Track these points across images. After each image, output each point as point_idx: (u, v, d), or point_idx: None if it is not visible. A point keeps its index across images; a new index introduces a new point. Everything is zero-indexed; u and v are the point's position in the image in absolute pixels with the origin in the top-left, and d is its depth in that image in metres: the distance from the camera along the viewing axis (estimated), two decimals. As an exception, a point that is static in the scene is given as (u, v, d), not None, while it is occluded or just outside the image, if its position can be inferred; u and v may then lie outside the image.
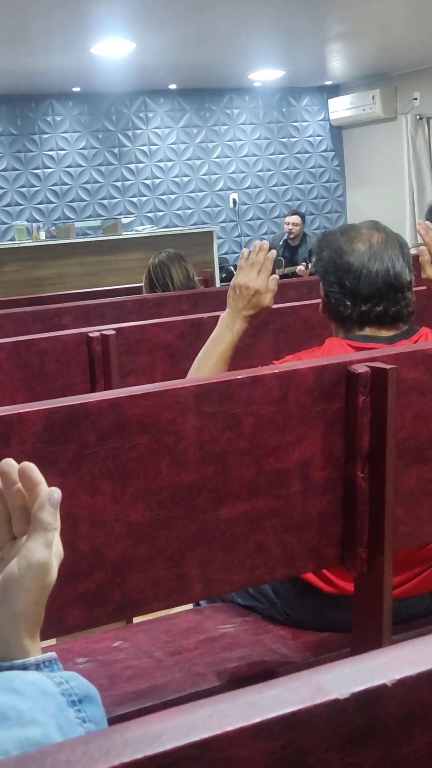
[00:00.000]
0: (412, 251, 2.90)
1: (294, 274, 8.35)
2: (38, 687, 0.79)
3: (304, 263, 8.36)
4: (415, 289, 2.23)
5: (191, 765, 0.54)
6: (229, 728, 0.55)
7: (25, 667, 0.85)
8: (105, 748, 0.54)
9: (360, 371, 1.74)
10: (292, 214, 9.28)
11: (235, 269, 2.50)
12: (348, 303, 2.16)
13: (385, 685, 0.60)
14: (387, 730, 0.60)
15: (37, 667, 0.86)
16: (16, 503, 0.93)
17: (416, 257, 2.52)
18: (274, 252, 2.46)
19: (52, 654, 0.88)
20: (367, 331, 2.16)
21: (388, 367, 1.74)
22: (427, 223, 2.66)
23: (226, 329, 2.37)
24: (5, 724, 0.72)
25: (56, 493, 0.91)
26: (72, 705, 0.80)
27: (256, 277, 2.39)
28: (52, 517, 0.91)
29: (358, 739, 0.59)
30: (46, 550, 0.90)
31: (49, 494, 0.91)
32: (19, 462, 0.93)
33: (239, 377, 1.67)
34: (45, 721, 0.74)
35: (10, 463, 0.94)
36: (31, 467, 0.92)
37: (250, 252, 2.45)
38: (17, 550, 0.91)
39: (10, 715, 0.73)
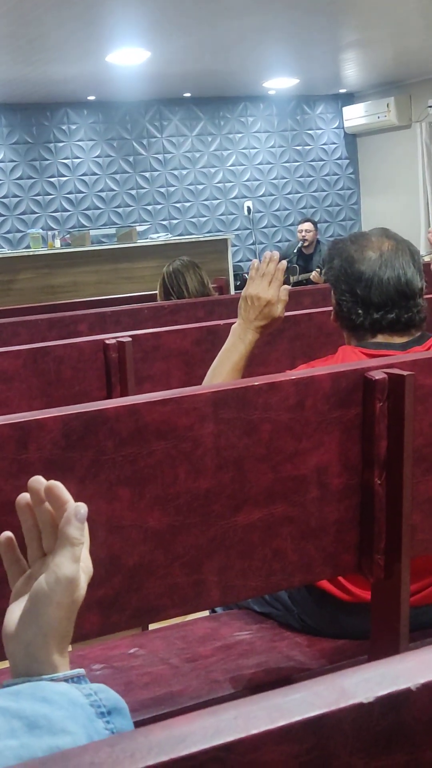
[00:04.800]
0: (426, 258, 2.90)
1: (308, 281, 8.35)
2: (68, 697, 0.79)
3: (318, 270, 8.35)
4: (427, 296, 2.22)
5: (216, 768, 0.54)
6: (254, 731, 0.55)
7: (53, 681, 0.86)
8: (129, 751, 0.54)
9: (377, 378, 1.74)
10: (305, 222, 9.27)
11: None
12: (360, 311, 2.16)
13: (409, 689, 0.60)
14: (412, 734, 0.60)
15: (66, 681, 0.86)
16: (46, 520, 0.93)
17: (427, 265, 2.51)
18: (284, 262, 2.46)
19: (81, 670, 0.88)
20: (380, 339, 2.16)
21: (405, 373, 1.74)
22: None
23: (238, 340, 2.38)
24: (36, 732, 0.72)
25: (83, 508, 0.91)
26: (101, 716, 0.80)
27: (267, 288, 2.39)
28: (78, 532, 0.91)
29: (383, 743, 0.59)
30: (73, 564, 0.90)
31: (76, 509, 0.91)
32: (35, 470, 0.94)
33: (256, 384, 1.67)
34: (75, 730, 0.74)
35: (39, 480, 0.94)
36: (58, 486, 0.93)
37: (260, 263, 2.45)
38: (47, 566, 0.91)
39: (41, 723, 0.73)
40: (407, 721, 0.60)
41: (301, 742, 0.56)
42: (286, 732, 0.56)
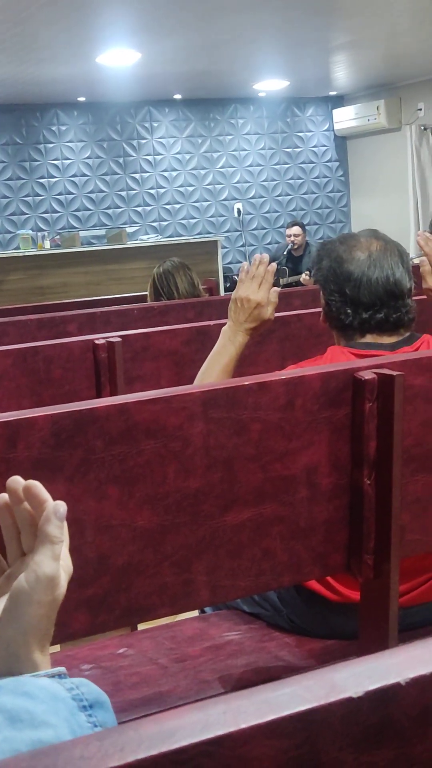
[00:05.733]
0: (415, 261, 2.91)
1: (298, 283, 8.36)
2: (50, 691, 0.79)
3: (308, 272, 8.36)
4: (415, 298, 2.23)
5: (205, 762, 0.54)
6: (244, 726, 0.55)
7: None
8: (119, 745, 0.54)
9: (367, 378, 1.74)
10: (293, 226, 9.29)
11: None
12: (349, 311, 2.17)
13: (399, 684, 0.60)
14: (401, 729, 0.60)
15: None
16: (25, 520, 0.94)
17: (417, 267, 2.52)
18: (274, 265, 2.47)
19: (62, 668, 0.88)
20: (369, 339, 2.16)
21: (394, 373, 1.74)
22: (427, 234, 2.66)
23: (228, 342, 2.39)
24: (18, 726, 0.72)
25: (62, 506, 0.92)
26: (83, 710, 0.80)
27: (257, 290, 2.40)
28: (58, 530, 0.91)
29: (372, 738, 0.59)
30: (53, 562, 0.90)
31: (55, 507, 0.92)
32: (24, 469, 0.94)
33: (246, 383, 1.68)
34: (57, 723, 0.74)
35: (17, 480, 0.94)
36: (36, 485, 0.93)
37: (250, 265, 2.46)
38: (27, 565, 0.91)
39: (23, 717, 0.73)
40: (396, 715, 0.60)
41: (290, 737, 0.56)
42: (276, 726, 0.56)
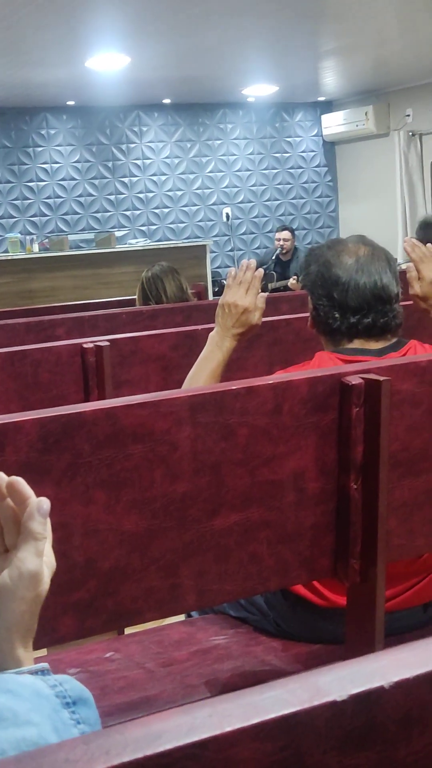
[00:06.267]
0: (402, 267, 2.92)
1: (286, 288, 8.37)
2: (33, 689, 0.79)
3: (296, 277, 8.37)
4: (402, 303, 2.24)
5: (191, 765, 0.55)
6: (229, 729, 0.56)
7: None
8: (105, 748, 0.54)
9: (354, 383, 1.75)
10: (282, 230, 9.29)
11: None
12: (337, 315, 2.17)
13: (382, 687, 0.60)
14: (385, 732, 0.61)
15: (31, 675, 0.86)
16: (8, 516, 0.94)
17: (404, 273, 2.54)
18: (261, 270, 2.48)
19: (45, 664, 0.88)
20: (356, 344, 2.17)
21: (381, 378, 1.75)
22: (414, 240, 2.68)
23: (216, 347, 2.39)
24: (1, 724, 0.72)
25: (45, 503, 0.92)
26: (66, 707, 0.80)
27: (244, 296, 2.41)
28: (41, 527, 0.91)
29: (356, 741, 0.60)
30: (37, 559, 0.91)
31: (39, 504, 0.92)
32: (11, 473, 0.94)
33: (234, 388, 1.68)
34: (40, 721, 0.75)
35: (0, 477, 0.94)
36: (19, 481, 0.93)
37: (237, 271, 2.47)
38: (10, 562, 0.92)
39: (6, 715, 0.74)
40: (380, 719, 0.60)
41: (275, 740, 0.57)
42: (261, 729, 0.56)
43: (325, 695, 0.59)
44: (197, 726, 0.55)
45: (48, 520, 0.93)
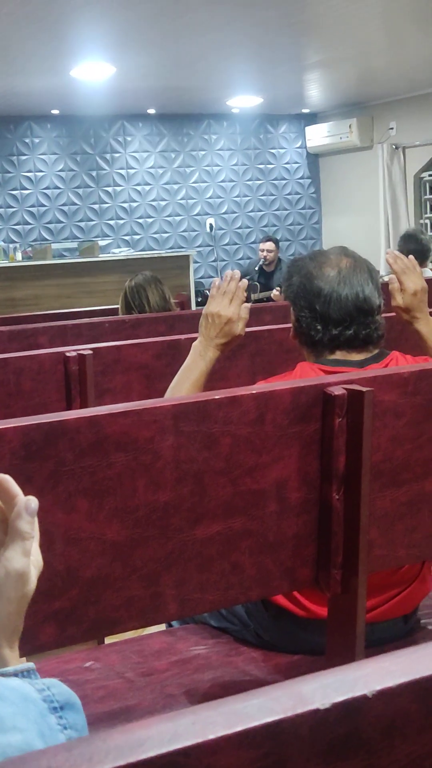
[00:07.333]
0: (384, 279, 2.93)
1: (269, 299, 8.38)
2: (20, 693, 0.79)
3: (279, 288, 8.39)
4: (384, 315, 2.25)
5: (173, 772, 0.54)
6: (212, 736, 0.56)
7: (3, 676, 0.85)
8: (87, 755, 0.54)
9: (336, 393, 1.75)
10: (266, 241, 9.31)
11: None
12: (319, 327, 2.18)
13: (365, 696, 0.60)
14: (368, 741, 0.61)
15: (16, 676, 0.86)
16: None
17: (386, 285, 2.55)
18: (245, 281, 2.48)
19: (31, 664, 0.88)
20: (338, 355, 2.17)
21: (364, 389, 1.75)
22: (396, 252, 2.69)
23: (199, 357, 2.39)
24: None
25: (33, 502, 0.92)
26: (53, 711, 0.80)
27: (228, 306, 2.41)
28: (29, 526, 0.91)
29: (339, 749, 0.60)
30: (24, 558, 0.90)
31: (26, 503, 0.92)
32: None
33: (217, 397, 1.68)
34: (26, 727, 0.74)
35: None
36: (7, 479, 0.93)
37: (221, 281, 2.47)
38: None
39: None
40: (363, 727, 0.60)
41: (258, 747, 0.57)
42: (244, 737, 0.56)
43: (308, 703, 0.59)
44: (180, 733, 0.55)
45: (36, 519, 0.92)
